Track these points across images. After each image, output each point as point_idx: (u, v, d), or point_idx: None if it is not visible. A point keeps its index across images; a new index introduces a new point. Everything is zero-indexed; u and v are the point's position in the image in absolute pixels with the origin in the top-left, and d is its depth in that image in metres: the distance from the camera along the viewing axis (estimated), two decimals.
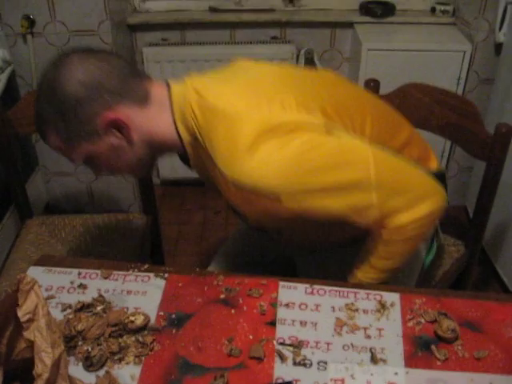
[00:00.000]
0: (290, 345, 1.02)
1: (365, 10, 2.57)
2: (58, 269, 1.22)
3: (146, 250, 1.79)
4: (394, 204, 1.06)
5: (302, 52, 2.59)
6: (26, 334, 0.83)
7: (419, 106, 1.65)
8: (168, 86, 1.13)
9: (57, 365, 0.81)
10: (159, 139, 1.13)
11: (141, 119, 1.10)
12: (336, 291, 1.14)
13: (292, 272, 1.50)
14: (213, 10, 2.60)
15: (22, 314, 0.83)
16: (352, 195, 1.04)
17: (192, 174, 2.95)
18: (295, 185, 1.01)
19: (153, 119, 1.11)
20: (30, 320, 0.83)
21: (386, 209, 1.06)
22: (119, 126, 1.08)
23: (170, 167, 2.88)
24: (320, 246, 1.40)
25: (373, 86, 1.68)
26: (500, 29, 2.24)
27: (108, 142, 1.10)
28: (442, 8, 2.56)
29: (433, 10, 2.59)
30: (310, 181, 1.02)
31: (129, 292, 1.15)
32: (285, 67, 1.24)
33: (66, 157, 1.14)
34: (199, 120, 1.06)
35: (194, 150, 1.14)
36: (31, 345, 0.83)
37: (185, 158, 1.23)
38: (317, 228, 1.25)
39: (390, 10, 2.57)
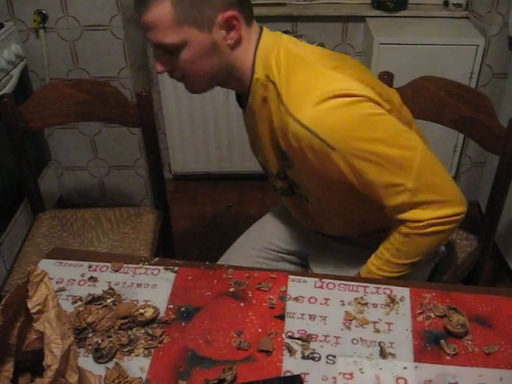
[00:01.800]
0: (298, 338, 1.02)
1: (377, 3, 2.55)
2: (69, 262, 1.23)
3: (157, 244, 1.79)
4: (423, 197, 1.12)
5: None
6: (36, 325, 0.84)
7: (433, 99, 1.64)
8: (261, 27, 1.20)
9: (66, 356, 0.82)
10: (238, 64, 1.17)
11: (243, 35, 1.15)
12: (345, 285, 1.14)
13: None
14: None
15: (32, 305, 0.83)
16: (392, 173, 1.10)
17: (204, 168, 2.98)
18: (350, 141, 1.07)
19: (246, 42, 1.16)
20: (40, 311, 0.84)
21: (415, 198, 1.12)
22: (232, 28, 1.11)
23: (182, 162, 2.89)
24: (342, 234, 1.43)
25: (386, 78, 1.68)
26: None
27: (214, 38, 1.11)
28: (455, 1, 2.53)
29: (445, 3, 2.57)
30: (364, 143, 1.08)
31: (139, 285, 1.16)
32: None
33: (156, 37, 1.10)
34: (281, 62, 1.13)
35: (258, 90, 1.18)
36: (41, 336, 0.83)
37: (241, 101, 1.29)
38: (345, 210, 1.32)
39: (402, 3, 2.55)
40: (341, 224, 1.38)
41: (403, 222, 1.15)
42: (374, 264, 1.22)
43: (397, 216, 1.15)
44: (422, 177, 1.11)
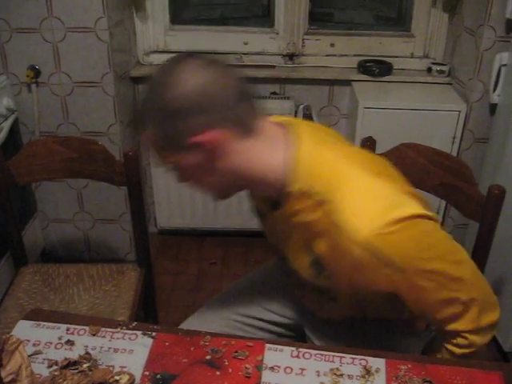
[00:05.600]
0: None
1: (363, 68, 2.63)
2: (47, 324, 1.22)
3: (138, 303, 1.79)
4: (474, 305, 1.13)
5: (301, 108, 2.63)
6: None
7: (414, 165, 1.67)
8: (287, 127, 1.14)
9: None
10: (254, 173, 1.11)
11: (237, 147, 1.07)
12: (322, 355, 1.13)
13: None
14: None
15: (6, 374, 0.83)
16: (449, 289, 1.10)
17: (189, 224, 2.97)
18: (414, 261, 1.06)
19: (254, 152, 1.09)
20: (13, 380, 0.84)
21: (466, 307, 1.12)
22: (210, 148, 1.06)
23: (168, 217, 2.90)
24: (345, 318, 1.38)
25: (369, 144, 1.71)
26: (494, 90, 2.28)
27: (196, 160, 1.07)
28: (438, 68, 2.62)
29: (429, 69, 2.65)
30: (426, 261, 1.07)
31: (116, 350, 1.15)
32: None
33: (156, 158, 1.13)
34: (326, 176, 1.06)
35: (291, 199, 1.11)
36: None
37: (259, 210, 1.28)
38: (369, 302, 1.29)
39: (387, 69, 2.63)
40: (350, 313, 1.34)
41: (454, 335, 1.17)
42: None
43: (444, 327, 1.16)
44: (475, 286, 1.14)
